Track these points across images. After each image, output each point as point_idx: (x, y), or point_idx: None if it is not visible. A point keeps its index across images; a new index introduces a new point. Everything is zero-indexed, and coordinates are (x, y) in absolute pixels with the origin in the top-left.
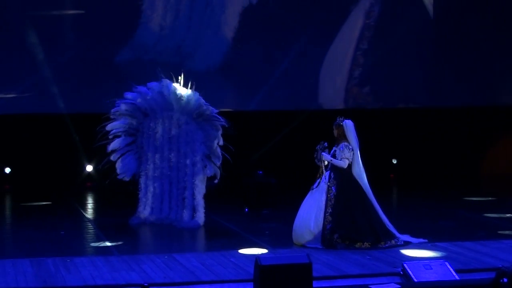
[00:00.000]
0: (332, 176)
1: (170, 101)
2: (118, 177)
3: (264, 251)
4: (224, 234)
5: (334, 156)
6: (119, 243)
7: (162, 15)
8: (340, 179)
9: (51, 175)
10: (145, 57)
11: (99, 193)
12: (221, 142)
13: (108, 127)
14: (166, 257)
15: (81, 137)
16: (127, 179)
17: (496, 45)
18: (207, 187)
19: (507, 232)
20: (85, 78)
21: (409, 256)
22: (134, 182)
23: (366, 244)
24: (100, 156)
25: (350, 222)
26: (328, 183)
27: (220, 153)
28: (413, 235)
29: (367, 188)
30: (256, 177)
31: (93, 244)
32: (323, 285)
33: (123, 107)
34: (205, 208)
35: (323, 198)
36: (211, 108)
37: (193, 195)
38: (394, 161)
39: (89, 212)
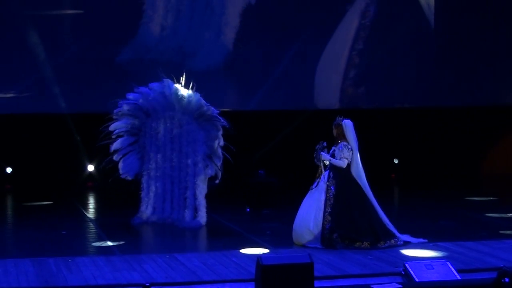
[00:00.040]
0: (331, 175)
1: (172, 101)
2: (121, 176)
3: (266, 251)
4: (225, 234)
5: (333, 155)
6: (121, 242)
7: (163, 15)
8: (339, 178)
9: (53, 175)
10: (146, 57)
11: (100, 192)
12: (221, 142)
13: (111, 127)
14: (167, 257)
15: (82, 137)
16: (129, 178)
17: (496, 45)
18: (208, 187)
19: (508, 232)
20: (86, 78)
21: (411, 256)
22: (136, 181)
23: (366, 244)
24: (102, 156)
25: (349, 222)
26: (327, 183)
27: (221, 153)
28: (414, 235)
29: (366, 188)
30: (257, 177)
31: (94, 244)
32: (325, 285)
33: (125, 107)
34: (207, 208)
35: (322, 197)
36: (211, 108)
37: (194, 195)
38: (396, 161)
39: (91, 212)
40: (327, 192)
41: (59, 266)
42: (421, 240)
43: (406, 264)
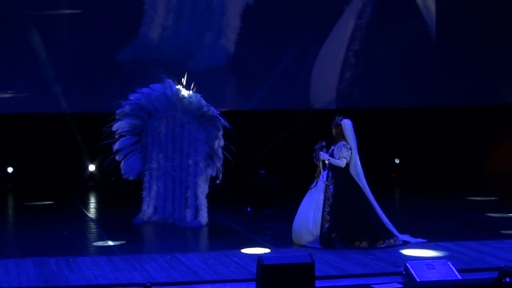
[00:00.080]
0: (330, 175)
1: (173, 101)
2: (123, 176)
3: (267, 250)
4: (226, 234)
5: (332, 155)
6: (122, 242)
7: (164, 15)
8: (338, 178)
9: (54, 174)
10: (147, 57)
11: (101, 192)
12: (222, 143)
13: (114, 127)
14: (168, 256)
15: (83, 136)
16: (132, 178)
17: (496, 45)
18: (209, 187)
19: (509, 231)
20: (87, 78)
21: (412, 256)
22: (138, 181)
23: (364, 243)
24: (103, 156)
25: (348, 221)
26: (326, 182)
27: (221, 153)
28: (415, 235)
29: (365, 187)
30: (258, 177)
31: (95, 244)
32: (326, 285)
33: (127, 107)
34: (208, 207)
35: (321, 197)
36: (212, 108)
37: (196, 195)
38: (397, 161)
39: (92, 212)
40: (326, 191)
41: (60, 265)
42: (420, 240)
43: (407, 264)
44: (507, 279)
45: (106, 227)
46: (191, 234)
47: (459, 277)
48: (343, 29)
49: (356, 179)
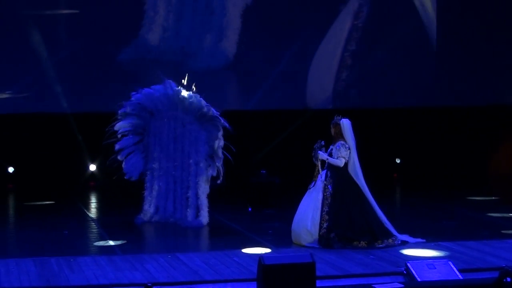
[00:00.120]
0: (329, 174)
1: (175, 101)
2: (125, 177)
3: (268, 250)
4: (227, 234)
5: (331, 154)
6: (123, 242)
7: (164, 16)
8: (337, 177)
9: (55, 174)
10: (147, 57)
11: (102, 192)
12: (222, 143)
13: (116, 127)
14: (169, 256)
15: (84, 136)
16: (134, 179)
17: (496, 45)
18: (210, 187)
19: (510, 231)
20: (88, 78)
21: (413, 256)
22: (140, 181)
23: (363, 243)
24: (104, 155)
25: (346, 221)
26: (325, 182)
27: (221, 154)
28: (416, 235)
29: (364, 187)
30: (259, 177)
31: (96, 244)
32: (327, 285)
33: (129, 107)
34: (209, 207)
35: (320, 197)
36: (212, 109)
37: (197, 195)
38: (398, 161)
39: (93, 212)
40: (324, 191)
41: (61, 265)
42: (419, 240)
43: (408, 264)
44: (508, 279)
45: (107, 227)
46: (192, 234)
47: (460, 277)
48: (340, 29)
49: (355, 178)
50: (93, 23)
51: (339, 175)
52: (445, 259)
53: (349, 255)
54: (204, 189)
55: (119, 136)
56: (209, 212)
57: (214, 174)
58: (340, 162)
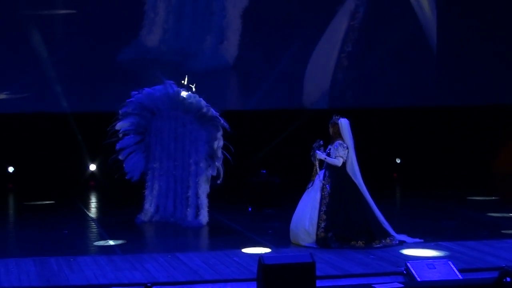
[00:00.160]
0: (327, 174)
1: (175, 101)
2: (126, 177)
3: (268, 250)
4: (227, 233)
5: (329, 154)
6: (123, 242)
7: (164, 16)
8: (335, 177)
9: (54, 174)
10: (147, 57)
11: (102, 192)
12: (221, 143)
13: (117, 126)
14: (169, 256)
15: (84, 136)
16: (135, 179)
17: (496, 44)
18: (210, 187)
19: (510, 231)
20: (88, 78)
21: (413, 256)
22: (141, 180)
23: (360, 243)
24: (103, 155)
25: (344, 221)
26: (323, 181)
27: (220, 154)
28: (416, 235)
29: (362, 187)
30: (259, 177)
31: (96, 243)
32: (327, 284)
33: (130, 107)
34: (209, 207)
35: (318, 196)
36: (211, 109)
37: (197, 194)
38: (398, 161)
39: (92, 211)
40: (322, 190)
41: (61, 265)
42: (417, 240)
43: (408, 264)
44: (508, 279)
45: (107, 227)
46: (192, 234)
47: (460, 276)
48: (337, 29)
49: (353, 178)
50: (93, 23)
51: (337, 174)
52: (445, 259)
53: (349, 255)
54: (204, 188)
55: (120, 135)
56: (209, 212)
57: (214, 174)
58: (338, 162)
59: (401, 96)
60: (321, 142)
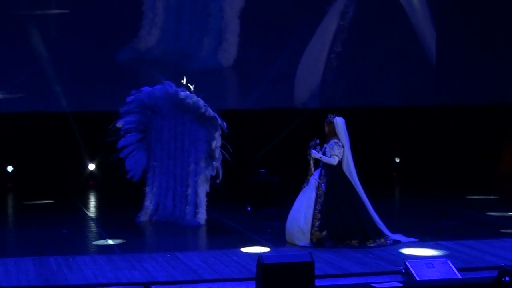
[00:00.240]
0: (323, 173)
1: (175, 100)
2: (127, 176)
3: (267, 249)
4: (226, 233)
5: (325, 153)
6: (122, 241)
7: (163, 16)
8: (330, 176)
9: (53, 173)
10: (146, 57)
11: (101, 191)
12: (219, 143)
13: (119, 123)
14: (168, 255)
15: (83, 135)
16: (136, 178)
17: (496, 44)
18: (210, 186)
19: (510, 230)
20: (87, 77)
21: (412, 255)
22: (142, 179)
23: (354, 242)
24: (103, 154)
25: (338, 220)
26: (319, 180)
27: (219, 153)
28: (415, 234)
29: (357, 186)
30: (258, 176)
31: (95, 243)
32: (326, 284)
33: (132, 104)
34: (208, 206)
35: (313, 195)
36: (209, 109)
37: (196, 193)
38: (397, 160)
39: (92, 211)
40: (318, 189)
41: (60, 264)
42: (412, 239)
43: (407, 263)
44: (507, 278)
45: (106, 226)
46: (191, 233)
47: (459, 276)
48: (327, 29)
49: (349, 177)
50: (92, 23)
51: (333, 173)
52: (444, 258)
53: (348, 254)
54: (203, 188)
55: (122, 133)
56: (208, 211)
57: (213, 174)
58: (334, 161)
59: (395, 95)
60: (318, 141)
